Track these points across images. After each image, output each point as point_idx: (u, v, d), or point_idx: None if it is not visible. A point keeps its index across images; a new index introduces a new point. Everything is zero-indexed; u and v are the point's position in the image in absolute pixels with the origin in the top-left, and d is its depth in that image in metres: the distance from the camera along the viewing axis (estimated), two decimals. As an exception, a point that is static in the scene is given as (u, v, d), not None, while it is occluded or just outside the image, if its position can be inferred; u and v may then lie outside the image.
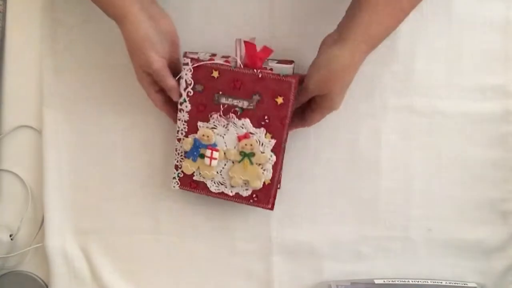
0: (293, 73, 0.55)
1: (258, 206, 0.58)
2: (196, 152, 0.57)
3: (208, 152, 0.56)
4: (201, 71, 0.55)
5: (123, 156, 0.61)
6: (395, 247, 0.60)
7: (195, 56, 0.56)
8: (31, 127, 0.62)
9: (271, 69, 0.55)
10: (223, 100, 0.55)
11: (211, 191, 0.58)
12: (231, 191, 0.58)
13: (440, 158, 0.58)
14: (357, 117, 0.58)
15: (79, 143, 0.61)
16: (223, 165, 0.57)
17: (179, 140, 0.58)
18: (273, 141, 0.55)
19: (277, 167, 0.56)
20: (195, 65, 0.54)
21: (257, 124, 0.55)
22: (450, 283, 0.57)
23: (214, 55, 0.57)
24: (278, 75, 0.53)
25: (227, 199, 0.58)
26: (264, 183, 0.56)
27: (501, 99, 0.57)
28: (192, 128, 0.56)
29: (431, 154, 0.58)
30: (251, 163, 0.56)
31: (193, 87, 0.55)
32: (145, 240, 0.62)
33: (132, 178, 0.61)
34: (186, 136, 0.57)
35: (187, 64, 0.55)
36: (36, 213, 0.63)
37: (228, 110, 0.55)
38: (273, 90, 0.53)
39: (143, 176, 0.61)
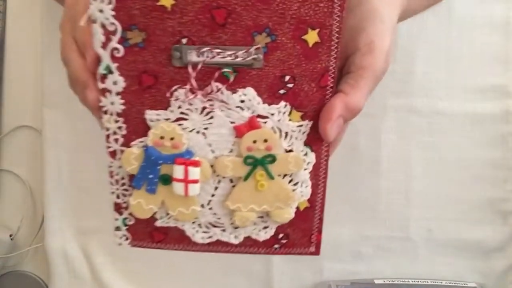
0: None
1: (290, 253, 0.34)
2: (153, 173, 0.30)
3: (178, 171, 0.29)
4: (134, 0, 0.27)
5: (123, 156, 0.61)
6: (395, 247, 0.59)
7: None
8: (31, 127, 0.62)
9: None
10: (193, 57, 0.28)
11: (195, 243, 0.33)
12: (235, 236, 0.33)
13: (440, 158, 0.58)
14: (357, 117, 0.58)
15: (79, 143, 0.61)
16: (212, 190, 0.31)
17: (112, 154, 0.32)
18: (307, 124, 0.31)
19: (319, 173, 0.33)
20: None
21: (270, 96, 0.30)
22: (450, 283, 0.57)
23: None
24: None
25: (229, 251, 0.34)
26: (297, 208, 0.33)
27: (501, 99, 0.57)
28: (135, 127, 0.30)
29: (431, 154, 0.58)
30: (270, 176, 0.31)
31: (122, 37, 0.28)
32: (145, 240, 0.62)
33: (132, 178, 0.61)
34: (126, 144, 0.31)
35: None
36: (36, 213, 0.63)
37: (206, 76, 0.29)
38: (297, 17, 0.28)
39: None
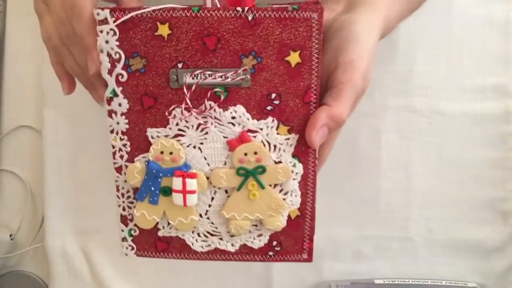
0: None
1: (284, 260, 0.36)
2: (155, 185, 0.33)
3: (177, 183, 0.32)
4: (136, 29, 0.31)
5: (123, 156, 0.61)
6: (395, 247, 0.59)
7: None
8: (31, 127, 0.62)
9: None
10: (188, 79, 0.31)
11: (195, 252, 0.36)
12: (233, 244, 0.36)
13: (440, 158, 0.58)
14: (357, 117, 0.58)
15: (79, 143, 0.61)
16: (209, 200, 0.35)
17: (118, 169, 0.35)
18: (294, 137, 0.34)
19: (308, 183, 0.36)
20: (122, 19, 0.31)
21: (259, 112, 0.33)
22: (450, 283, 0.57)
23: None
24: (285, 8, 0.31)
25: (227, 259, 0.37)
26: (289, 216, 0.35)
27: (501, 99, 0.57)
28: (138, 144, 0.34)
29: (431, 154, 0.58)
30: (261, 186, 0.34)
31: (125, 64, 0.32)
32: (145, 240, 0.62)
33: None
34: (131, 160, 0.34)
35: (104, 21, 0.31)
36: (36, 213, 0.63)
37: (200, 96, 0.32)
38: (279, 40, 0.31)
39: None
